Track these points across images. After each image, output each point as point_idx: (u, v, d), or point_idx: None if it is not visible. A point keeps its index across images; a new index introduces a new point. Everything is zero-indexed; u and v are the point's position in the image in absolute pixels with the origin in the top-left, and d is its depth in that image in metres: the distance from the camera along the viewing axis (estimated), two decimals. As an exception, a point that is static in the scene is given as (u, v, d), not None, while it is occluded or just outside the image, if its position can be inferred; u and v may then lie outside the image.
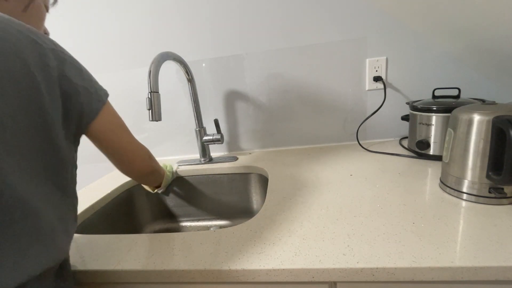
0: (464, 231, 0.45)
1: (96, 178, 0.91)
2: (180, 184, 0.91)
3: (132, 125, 0.77)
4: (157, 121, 0.68)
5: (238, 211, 0.92)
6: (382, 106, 0.87)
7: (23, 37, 0.34)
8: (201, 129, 0.91)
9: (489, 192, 0.51)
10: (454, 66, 0.84)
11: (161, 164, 0.76)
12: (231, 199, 0.91)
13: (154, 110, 0.67)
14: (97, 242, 0.54)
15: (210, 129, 0.96)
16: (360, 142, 0.91)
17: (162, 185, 0.70)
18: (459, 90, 0.76)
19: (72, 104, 0.39)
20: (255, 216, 0.57)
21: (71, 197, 0.43)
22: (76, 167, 0.44)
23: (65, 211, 0.41)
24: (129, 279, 0.46)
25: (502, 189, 0.50)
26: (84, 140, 0.46)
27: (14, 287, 0.33)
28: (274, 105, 0.96)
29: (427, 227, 0.47)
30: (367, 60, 0.87)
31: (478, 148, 0.51)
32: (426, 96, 0.84)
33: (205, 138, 0.91)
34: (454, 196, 0.56)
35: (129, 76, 0.98)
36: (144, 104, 0.67)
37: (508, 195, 0.50)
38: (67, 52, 0.40)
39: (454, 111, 0.56)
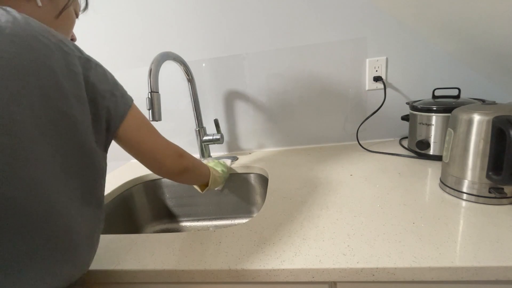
0: (464, 231, 0.45)
1: (96, 178, 0.91)
2: (180, 184, 0.91)
3: (132, 125, 0.77)
4: (157, 121, 0.68)
5: (238, 211, 0.92)
6: (382, 106, 0.87)
7: (52, 45, 0.35)
8: (201, 129, 0.91)
9: (489, 192, 0.51)
10: (454, 66, 0.84)
11: (211, 162, 0.75)
12: (231, 199, 0.91)
13: (154, 110, 0.67)
14: (97, 242, 0.54)
15: (210, 129, 0.96)
16: (360, 142, 0.91)
17: (211, 185, 0.66)
18: (459, 90, 0.76)
19: (99, 110, 0.39)
20: (255, 216, 0.57)
21: (101, 208, 0.43)
22: (105, 174, 0.44)
23: (96, 223, 0.42)
24: (129, 279, 0.46)
25: (502, 189, 0.50)
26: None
27: None
28: (274, 105, 0.96)
29: (427, 227, 0.47)
30: (367, 60, 0.87)
31: (478, 148, 0.51)
32: (426, 96, 0.84)
33: (205, 138, 0.91)
34: (454, 196, 0.56)
35: (129, 76, 0.98)
36: (144, 104, 0.67)
37: (508, 195, 0.50)
38: (92, 59, 0.41)
39: (454, 111, 0.56)
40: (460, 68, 0.84)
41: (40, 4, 0.41)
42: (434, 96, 0.79)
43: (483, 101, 0.73)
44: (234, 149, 1.04)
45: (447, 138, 0.58)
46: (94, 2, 0.91)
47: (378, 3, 0.81)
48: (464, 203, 0.53)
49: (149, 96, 0.66)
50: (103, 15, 0.93)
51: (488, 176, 0.50)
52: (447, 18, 0.66)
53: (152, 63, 0.68)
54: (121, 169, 0.98)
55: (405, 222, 0.49)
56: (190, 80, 0.87)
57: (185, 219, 0.94)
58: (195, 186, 0.70)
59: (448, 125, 0.58)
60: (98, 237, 0.44)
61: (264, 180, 0.84)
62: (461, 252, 0.40)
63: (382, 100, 0.87)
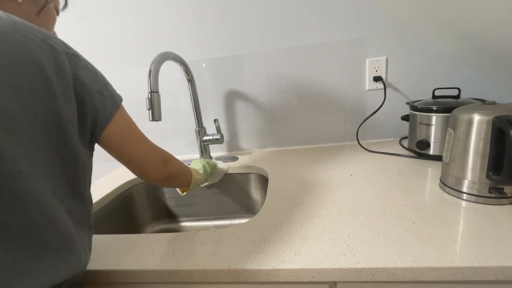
0: (464, 231, 0.45)
1: (96, 178, 0.91)
2: (180, 184, 0.91)
3: (132, 125, 0.77)
4: (157, 121, 0.67)
5: (238, 211, 0.92)
6: (382, 106, 0.87)
7: (39, 41, 0.34)
8: (201, 129, 0.91)
9: (489, 192, 0.51)
10: (454, 66, 0.84)
11: (200, 164, 0.76)
12: (231, 199, 0.91)
13: (154, 110, 0.67)
14: (97, 242, 0.54)
15: (210, 129, 0.96)
16: (360, 142, 0.91)
17: (190, 188, 0.66)
18: (459, 90, 0.76)
19: (87, 109, 0.39)
20: (255, 216, 0.57)
21: (88, 203, 0.43)
22: (91, 172, 0.44)
23: (82, 217, 0.41)
24: (129, 279, 0.46)
25: (502, 189, 0.50)
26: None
27: None
28: (274, 105, 0.96)
29: (427, 227, 0.47)
30: (367, 60, 0.87)
31: (478, 148, 0.51)
32: (426, 96, 0.84)
33: (205, 138, 0.91)
34: (454, 196, 0.56)
35: (129, 76, 0.98)
36: (144, 104, 0.67)
37: (508, 195, 0.50)
38: (80, 55, 0.40)
39: (454, 111, 0.56)
40: (460, 68, 0.84)
41: (20, 0, 0.41)
42: (434, 96, 0.79)
43: (483, 101, 0.73)
44: (234, 149, 1.04)
45: (447, 138, 0.58)
46: (94, 2, 0.92)
47: (378, 3, 0.81)
48: (464, 203, 0.53)
49: (149, 96, 0.66)
50: (103, 15, 0.93)
51: (488, 176, 0.50)
52: (447, 18, 0.66)
53: (152, 63, 0.68)
54: (121, 169, 0.98)
55: (405, 222, 0.49)
56: (190, 80, 0.87)
57: (185, 219, 0.94)
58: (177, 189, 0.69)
59: (448, 125, 0.58)
60: (90, 233, 0.43)
61: (264, 180, 0.84)
62: (461, 252, 0.40)
63: (382, 100, 0.87)
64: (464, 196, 0.54)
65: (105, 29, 0.94)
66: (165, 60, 0.73)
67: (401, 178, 0.66)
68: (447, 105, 0.72)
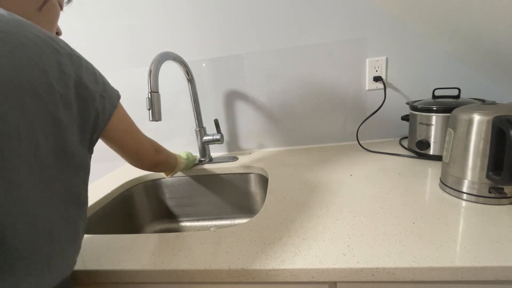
0: (464, 231, 0.45)
1: (97, 178, 0.91)
2: (180, 184, 0.91)
3: (132, 125, 0.77)
4: (157, 121, 0.68)
5: (238, 211, 0.92)
6: (382, 106, 0.87)
7: (42, 43, 0.34)
8: (201, 129, 0.91)
9: (489, 192, 0.51)
10: (454, 66, 0.84)
11: (184, 153, 0.85)
12: (231, 199, 0.91)
13: (154, 110, 0.67)
14: (97, 242, 0.54)
15: (210, 129, 0.96)
16: (360, 142, 0.91)
17: (175, 171, 0.77)
18: (459, 90, 0.76)
19: (89, 111, 0.39)
20: (255, 216, 0.57)
21: (84, 206, 0.42)
22: (89, 174, 0.44)
23: (77, 221, 0.40)
24: (129, 279, 0.46)
25: (502, 189, 0.50)
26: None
27: None
28: (274, 105, 0.96)
29: (427, 227, 0.47)
30: (367, 60, 0.87)
31: (478, 148, 0.51)
32: (426, 96, 0.85)
33: (205, 138, 0.91)
34: (454, 196, 0.56)
35: (129, 76, 0.98)
36: (144, 104, 0.67)
37: (508, 195, 0.50)
38: (82, 57, 0.40)
39: (454, 111, 0.56)
40: (460, 68, 0.84)
41: None
42: (434, 96, 0.79)
43: (483, 101, 0.73)
44: (234, 149, 1.04)
45: (447, 138, 0.58)
46: (94, 2, 0.92)
47: (378, 3, 0.81)
48: (464, 203, 0.53)
49: (149, 96, 0.66)
50: (103, 15, 0.93)
51: (488, 176, 0.50)
52: (447, 18, 0.66)
53: (152, 63, 0.68)
54: (121, 169, 0.98)
55: (405, 222, 0.49)
56: (190, 80, 0.87)
57: (185, 219, 0.94)
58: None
59: (448, 125, 0.58)
60: (81, 236, 0.43)
61: (264, 180, 0.84)
62: (461, 252, 0.40)
63: (382, 100, 0.87)
64: (464, 196, 0.54)
65: (105, 29, 0.94)
66: (165, 60, 0.73)
67: (401, 178, 0.66)
68: (447, 105, 0.72)
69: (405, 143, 0.88)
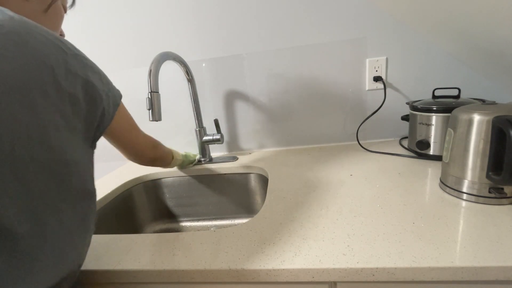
0: (464, 231, 0.45)
1: (96, 178, 0.91)
2: (180, 184, 0.91)
3: (132, 125, 0.77)
4: (157, 121, 0.68)
5: (238, 211, 0.92)
6: (382, 106, 0.87)
7: (49, 43, 0.34)
8: (201, 129, 0.91)
9: (489, 192, 0.51)
10: (454, 66, 0.84)
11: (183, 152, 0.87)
12: (231, 199, 0.91)
13: (154, 110, 0.67)
14: (97, 242, 0.54)
15: (210, 129, 0.96)
16: (360, 142, 0.91)
17: (170, 166, 0.80)
18: (459, 90, 0.76)
19: (96, 109, 0.40)
20: (255, 216, 0.57)
21: (93, 200, 0.43)
22: (93, 168, 0.45)
23: (86, 216, 0.41)
24: (129, 279, 0.46)
25: (502, 189, 0.50)
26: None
27: None
28: (274, 105, 0.96)
29: (427, 227, 0.47)
30: (367, 60, 0.87)
31: (478, 148, 0.51)
32: (426, 96, 0.85)
33: (205, 138, 0.91)
34: (454, 196, 0.56)
35: (129, 76, 0.98)
36: (144, 104, 0.67)
37: (508, 195, 0.50)
38: (87, 57, 0.41)
39: (454, 111, 0.56)
40: (460, 68, 0.84)
41: None
42: (434, 96, 0.79)
43: (483, 101, 0.73)
44: (234, 149, 1.04)
45: (447, 138, 0.58)
46: (95, 1, 0.92)
47: (378, 3, 0.81)
48: (464, 203, 0.53)
49: (149, 96, 0.66)
50: (103, 15, 0.93)
51: (488, 176, 0.50)
52: (447, 18, 0.66)
53: (152, 63, 0.68)
54: (121, 169, 0.98)
55: (405, 222, 0.49)
56: (190, 80, 0.87)
57: (185, 219, 0.94)
58: None
59: (448, 125, 0.58)
60: (92, 230, 0.43)
61: (264, 180, 0.84)
62: (461, 252, 0.40)
63: (382, 100, 0.87)
64: (464, 196, 0.54)
65: (105, 29, 0.94)
66: (165, 60, 0.73)
67: (401, 178, 0.66)
68: (447, 105, 0.72)
69: (405, 143, 0.88)
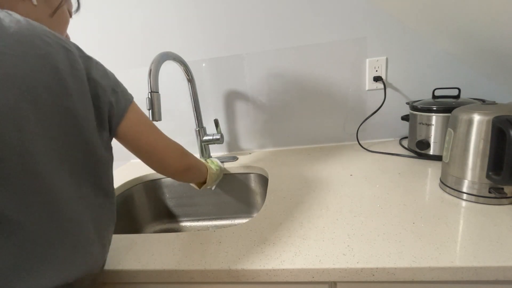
0: (464, 231, 0.45)
1: (96, 178, 0.91)
2: (180, 184, 0.91)
3: (132, 125, 0.77)
4: (157, 121, 0.67)
5: (238, 211, 0.92)
6: (382, 106, 0.87)
7: (54, 43, 0.36)
8: (201, 129, 0.91)
9: (489, 192, 0.51)
10: (454, 66, 0.84)
11: (213, 162, 0.77)
12: (231, 199, 0.91)
13: (154, 110, 0.67)
14: (97, 242, 0.54)
15: (210, 129, 0.96)
16: (360, 142, 0.91)
17: (208, 182, 0.67)
18: (459, 90, 0.76)
19: (102, 104, 0.40)
20: (255, 216, 0.57)
21: (111, 197, 0.44)
22: (112, 166, 0.45)
23: (105, 213, 0.42)
24: (129, 279, 0.46)
25: (502, 189, 0.50)
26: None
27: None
28: (274, 105, 0.96)
29: (427, 227, 0.47)
30: (367, 60, 0.87)
31: (478, 148, 0.51)
32: (426, 96, 0.84)
33: (205, 138, 0.91)
34: (454, 196, 0.56)
35: (129, 76, 0.98)
36: (144, 104, 0.67)
37: (508, 195, 0.50)
38: (92, 57, 0.42)
39: (454, 111, 0.56)
40: (460, 68, 0.84)
41: (35, 2, 0.42)
42: (434, 96, 0.79)
43: (483, 101, 0.73)
44: (234, 149, 1.04)
45: (447, 138, 0.58)
46: (95, 2, 0.92)
47: (378, 3, 0.81)
48: (464, 203, 0.53)
49: (149, 96, 0.66)
50: (103, 15, 0.93)
51: (488, 176, 0.50)
52: (447, 18, 0.66)
53: (152, 63, 0.68)
54: (121, 169, 0.98)
55: (405, 222, 0.49)
56: (190, 80, 0.87)
57: (185, 219, 0.94)
58: (192, 184, 0.71)
59: (448, 125, 0.58)
60: (111, 229, 0.45)
61: (264, 180, 0.84)
62: (461, 252, 0.40)
63: (382, 100, 0.87)
64: (464, 196, 0.54)
65: (105, 29, 0.94)
66: (165, 60, 0.73)
67: (401, 178, 0.66)
68: (447, 105, 0.72)
69: (405, 143, 0.88)
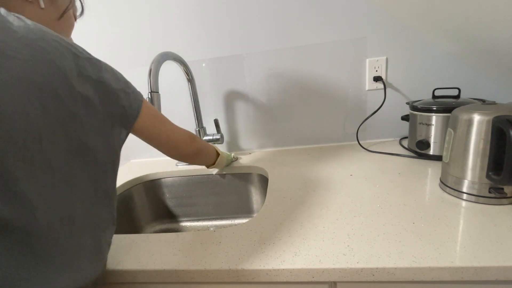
0: (464, 231, 0.45)
1: (96, 178, 0.91)
2: (180, 184, 0.91)
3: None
4: (157, 121, 0.67)
5: (238, 211, 0.92)
6: (382, 106, 0.87)
7: (62, 48, 0.36)
8: (201, 129, 0.91)
9: (489, 192, 0.51)
10: (454, 66, 0.84)
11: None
12: (231, 199, 0.91)
13: (154, 110, 0.67)
14: (97, 242, 0.54)
15: (210, 129, 0.96)
16: (360, 142, 0.91)
17: (218, 163, 0.75)
18: (459, 90, 0.76)
19: (114, 108, 0.41)
20: (255, 216, 0.57)
21: (113, 200, 0.44)
22: (116, 168, 0.45)
23: (106, 215, 0.42)
24: (129, 279, 0.46)
25: (502, 189, 0.50)
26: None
27: None
28: (274, 105, 0.96)
29: (427, 227, 0.47)
30: (367, 60, 0.87)
31: (478, 148, 0.51)
32: (426, 96, 0.84)
33: (205, 138, 0.91)
34: (454, 196, 0.56)
35: (129, 76, 0.97)
36: (144, 104, 0.67)
37: (508, 195, 0.50)
38: (101, 60, 0.42)
39: (454, 111, 0.56)
40: (460, 68, 0.84)
41: (43, 5, 0.42)
42: (434, 96, 0.79)
43: (483, 101, 0.73)
44: (234, 149, 1.04)
45: (447, 138, 0.58)
46: (95, 1, 0.92)
47: (378, 3, 0.81)
48: (464, 203, 0.53)
49: (149, 96, 0.67)
50: (103, 15, 0.93)
51: (488, 176, 0.50)
52: (447, 18, 0.66)
53: (152, 63, 0.68)
54: (121, 169, 0.98)
55: (405, 222, 0.49)
56: (190, 80, 0.87)
57: (185, 219, 0.94)
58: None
59: (448, 125, 0.58)
60: (113, 229, 0.45)
61: (264, 180, 0.84)
62: (461, 252, 0.40)
63: (382, 100, 0.87)
64: (464, 196, 0.54)
65: (105, 29, 0.94)
66: (165, 60, 0.73)
67: (401, 178, 0.66)
68: (447, 105, 0.72)
69: (405, 143, 0.88)
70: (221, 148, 1.03)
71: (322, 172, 0.75)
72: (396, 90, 0.90)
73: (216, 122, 0.90)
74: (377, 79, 0.88)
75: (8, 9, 0.36)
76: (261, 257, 0.44)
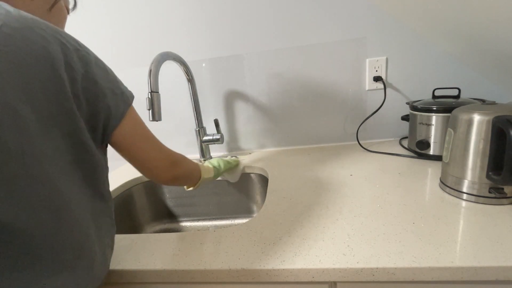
0: (464, 231, 0.45)
1: (96, 178, 0.91)
2: (180, 184, 0.91)
3: (132, 125, 0.77)
4: (157, 121, 0.68)
5: (238, 211, 0.92)
6: (382, 106, 0.87)
7: (50, 38, 0.33)
8: (201, 129, 0.91)
9: (489, 192, 0.51)
10: (454, 66, 0.84)
11: (216, 162, 0.74)
12: (231, 199, 0.91)
13: (154, 110, 0.67)
14: (97, 242, 0.54)
15: (210, 129, 0.96)
16: (360, 142, 0.91)
17: (196, 187, 0.66)
18: (459, 90, 0.76)
19: (100, 107, 0.38)
20: (255, 216, 0.57)
21: (109, 201, 0.44)
22: (108, 170, 0.44)
23: (104, 216, 0.42)
24: (129, 279, 0.46)
25: (502, 189, 0.50)
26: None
27: None
28: (274, 105, 0.96)
29: (427, 227, 0.47)
30: (367, 60, 0.87)
31: (478, 148, 0.51)
32: (426, 96, 0.84)
33: (205, 138, 0.91)
34: (454, 196, 0.56)
35: (129, 76, 0.98)
36: (144, 104, 0.67)
37: (508, 195, 0.50)
38: (91, 53, 0.39)
39: (454, 111, 0.56)
40: (460, 68, 0.84)
41: None
42: (434, 96, 0.79)
43: (483, 101, 0.73)
44: (234, 149, 1.04)
45: (447, 138, 0.58)
46: (95, 1, 0.92)
47: (378, 3, 0.81)
48: (464, 203, 0.53)
49: (149, 96, 0.66)
50: (103, 15, 0.93)
51: (488, 176, 0.50)
52: (447, 18, 0.66)
53: (152, 63, 0.68)
54: (121, 169, 0.98)
55: (405, 222, 0.49)
56: (190, 80, 0.87)
57: (185, 219, 0.94)
58: None
59: (448, 125, 0.58)
60: (113, 231, 0.44)
61: (264, 180, 0.84)
62: (461, 252, 0.40)
63: (382, 100, 0.87)
64: (464, 196, 0.54)
65: (105, 29, 0.94)
66: (165, 60, 0.73)
67: (401, 178, 0.66)
68: (447, 105, 0.72)
69: (405, 143, 0.88)
70: (221, 148, 1.03)
71: (322, 172, 0.75)
72: (396, 90, 0.90)
73: (216, 122, 0.90)
74: (377, 79, 0.88)
75: None
76: (261, 257, 0.44)
